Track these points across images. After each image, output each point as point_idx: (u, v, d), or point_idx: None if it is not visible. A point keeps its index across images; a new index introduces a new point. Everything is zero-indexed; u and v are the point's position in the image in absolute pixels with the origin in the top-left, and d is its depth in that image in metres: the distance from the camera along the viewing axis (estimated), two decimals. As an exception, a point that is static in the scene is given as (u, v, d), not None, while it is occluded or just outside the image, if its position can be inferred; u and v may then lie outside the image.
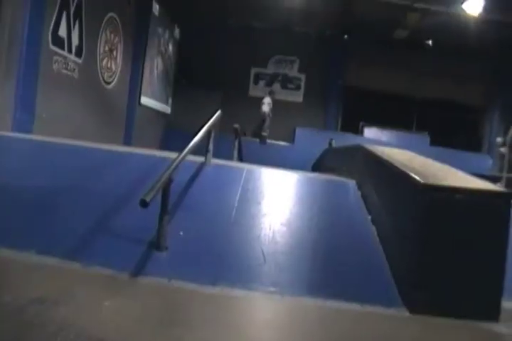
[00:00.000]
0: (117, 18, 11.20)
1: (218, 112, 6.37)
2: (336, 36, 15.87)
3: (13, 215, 4.12)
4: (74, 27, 9.19)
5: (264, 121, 14.28)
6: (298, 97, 16.50)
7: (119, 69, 11.60)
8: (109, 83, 11.08)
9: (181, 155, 4.36)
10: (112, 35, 11.08)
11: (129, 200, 4.24)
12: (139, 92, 12.76)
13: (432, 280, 3.37)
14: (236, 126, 9.11)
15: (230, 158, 8.72)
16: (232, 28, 15.59)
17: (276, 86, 16.58)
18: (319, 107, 16.21)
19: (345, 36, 15.74)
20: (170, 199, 4.24)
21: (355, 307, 3.26)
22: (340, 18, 14.64)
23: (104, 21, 10.59)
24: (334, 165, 8.24)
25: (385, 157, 4.78)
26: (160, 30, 14.17)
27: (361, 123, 15.85)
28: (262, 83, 16.62)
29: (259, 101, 15.02)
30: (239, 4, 14.51)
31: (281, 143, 14.98)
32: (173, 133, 13.43)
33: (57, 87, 8.61)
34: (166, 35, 14.93)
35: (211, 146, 5.96)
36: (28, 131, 7.60)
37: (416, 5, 12.81)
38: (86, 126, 9.67)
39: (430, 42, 15.34)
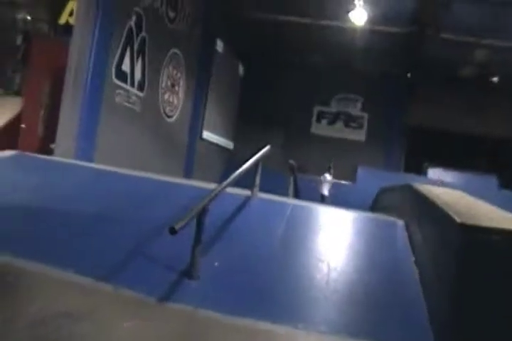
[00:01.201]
0: (180, 54, 11.60)
1: (267, 147, 6.41)
2: (399, 74, 15.79)
3: (59, 236, 4.29)
4: (137, 62, 9.60)
5: (323, 200, 13.43)
6: (360, 136, 16.42)
7: (181, 103, 11.95)
8: (170, 117, 11.42)
9: (220, 187, 4.43)
10: (175, 71, 11.47)
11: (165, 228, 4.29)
12: (200, 126, 13.07)
13: (467, 323, 3.21)
14: (291, 161, 9.15)
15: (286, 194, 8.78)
16: (296, 65, 15.83)
17: (339, 124, 16.57)
18: (382, 146, 16.03)
19: (409, 74, 15.61)
20: (210, 229, 4.32)
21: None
22: (404, 55, 14.56)
23: (167, 57, 11.00)
24: (387, 204, 8.09)
25: (430, 196, 4.66)
26: (223, 66, 14.55)
27: (425, 164, 15.51)
28: (324, 121, 16.67)
29: (321, 139, 15.07)
30: (303, 42, 14.73)
31: (343, 182, 14.84)
32: (234, 168, 13.52)
33: (118, 118, 8.96)
34: (230, 72, 15.30)
35: (258, 180, 6.00)
36: (90, 159, 7.89)
37: (484, 41, 12.58)
38: (146, 158, 9.95)
39: (497, 78, 14.92)
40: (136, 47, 9.55)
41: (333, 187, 13.65)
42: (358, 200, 11.23)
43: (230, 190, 6.05)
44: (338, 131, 16.52)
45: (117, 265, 3.88)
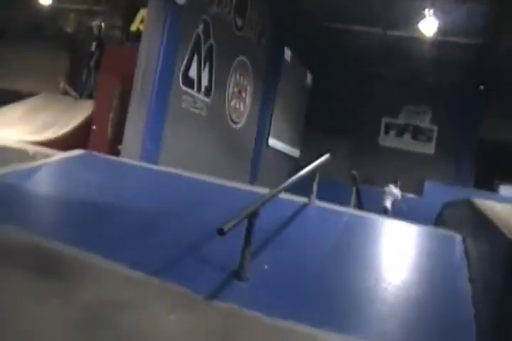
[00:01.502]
0: (247, 62, 11.78)
1: (327, 155, 6.42)
2: (471, 86, 15.32)
3: (118, 232, 4.49)
4: (204, 68, 9.82)
5: (385, 213, 13.02)
6: (429, 149, 16.05)
7: (248, 110, 12.11)
8: (236, 123, 11.59)
9: (273, 192, 4.50)
10: (242, 78, 11.65)
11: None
12: (267, 134, 13.19)
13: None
14: (354, 172, 9.08)
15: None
16: (364, 76, 15.71)
17: (407, 136, 16.31)
18: (451, 160, 15.57)
19: (481, 86, 15.14)
20: (263, 233, 4.39)
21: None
22: (475, 67, 14.15)
23: (234, 64, 11.19)
24: (449, 219, 7.87)
25: (486, 211, 4.54)
26: (291, 75, 14.64)
27: (496, 181, 14.96)
28: (392, 133, 16.44)
29: (388, 150, 14.89)
30: (371, 52, 14.62)
31: (409, 195, 14.58)
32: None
33: (184, 123, 9.19)
34: (298, 80, 15.37)
35: (315, 188, 6.02)
36: (155, 162, 8.13)
37: None
38: (212, 162, 10.13)
39: None
40: (203, 54, 9.77)
41: (398, 200, 13.42)
42: (423, 214, 10.97)
43: (288, 196, 6.17)
44: (406, 143, 16.23)
45: (169, 261, 4.01)
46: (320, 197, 6.81)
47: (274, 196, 4.58)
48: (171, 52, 8.60)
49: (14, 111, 10.05)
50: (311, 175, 6.08)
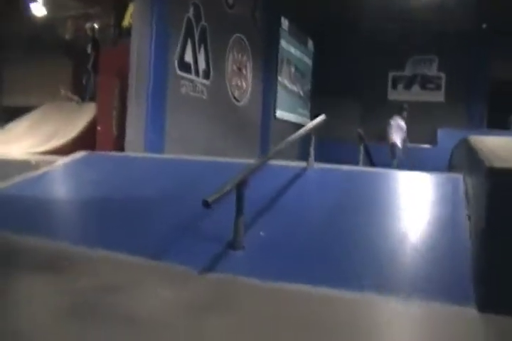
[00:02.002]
0: (244, 38, 11.74)
1: (321, 116, 6.43)
2: (474, 28, 14.96)
3: (116, 220, 4.69)
4: (199, 51, 9.86)
5: (393, 152, 11.75)
6: (439, 97, 15.77)
7: (250, 86, 12.13)
8: (240, 100, 11.63)
9: (261, 160, 4.57)
10: (240, 55, 11.64)
11: (220, 206, 4.48)
12: (273, 106, 13.19)
13: (500, 275, 3.14)
14: (359, 130, 9.06)
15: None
16: (366, 33, 15.46)
17: (416, 87, 16.06)
18: (463, 105, 15.28)
19: (484, 25, 14.74)
20: (260, 201, 4.50)
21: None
22: (476, 7, 13.77)
23: (230, 42, 11.17)
24: (456, 161, 7.83)
25: (478, 146, 4.53)
26: (291, 44, 14.54)
27: (510, 118, 14.67)
28: (400, 86, 16.20)
29: (398, 105, 14.68)
30: (371, 9, 14.38)
31: (424, 145, 14.44)
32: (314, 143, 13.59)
33: (186, 108, 9.28)
34: (299, 49, 15.26)
35: (312, 150, 6.06)
36: (160, 151, 8.28)
37: None
38: (219, 143, 10.23)
39: None
40: (197, 37, 9.80)
41: (412, 151, 13.28)
42: (439, 163, 10.91)
43: (286, 163, 6.24)
44: (415, 94, 15.98)
45: (167, 243, 4.15)
46: (331, 160, 6.89)
47: (263, 163, 4.64)
48: (163, 40, 8.65)
49: (18, 126, 10.29)
50: (308, 138, 6.15)
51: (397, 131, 11.86)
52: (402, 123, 11.97)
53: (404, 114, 12.19)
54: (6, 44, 13.72)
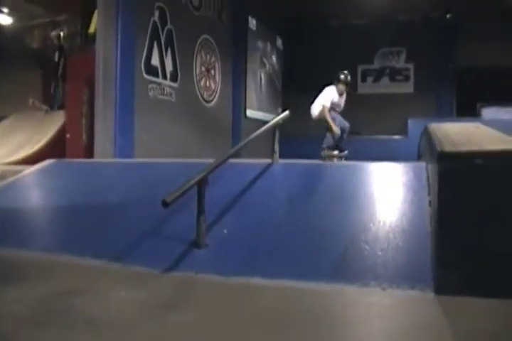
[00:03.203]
0: (211, 39, 11.75)
1: (286, 112, 6.49)
2: (439, 18, 15.12)
3: (81, 226, 4.70)
4: (166, 54, 9.85)
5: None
6: (408, 88, 15.92)
7: (219, 86, 12.14)
8: (209, 101, 11.65)
9: (222, 158, 4.61)
10: (208, 56, 11.65)
11: (184, 205, 4.49)
12: (243, 106, 13.22)
13: (455, 257, 3.20)
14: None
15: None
16: (333, 29, 15.61)
17: (385, 80, 16.20)
18: (432, 95, 15.40)
19: (448, 15, 14.93)
20: (225, 199, 4.53)
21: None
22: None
23: (197, 44, 11.17)
24: (422, 151, 7.95)
25: (434, 132, 4.61)
26: (260, 43, 14.58)
27: (478, 105, 14.87)
28: (369, 79, 16.34)
29: (367, 98, 14.81)
30: (337, 4, 14.51)
31: (394, 136, 14.56)
32: (286, 141, 13.62)
33: (155, 111, 9.27)
34: (268, 47, 15.31)
35: (277, 146, 6.11)
36: (130, 155, 8.27)
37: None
38: (190, 144, 10.22)
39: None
40: (163, 40, 9.79)
41: (383, 143, 13.42)
42: (409, 153, 11.02)
43: (251, 160, 6.28)
44: (385, 86, 16.14)
45: (131, 246, 4.16)
46: (303, 156, 6.92)
47: (223, 161, 4.67)
48: (128, 44, 8.63)
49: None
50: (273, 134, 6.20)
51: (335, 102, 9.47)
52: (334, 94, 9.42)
53: (341, 86, 9.55)
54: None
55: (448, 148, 3.41)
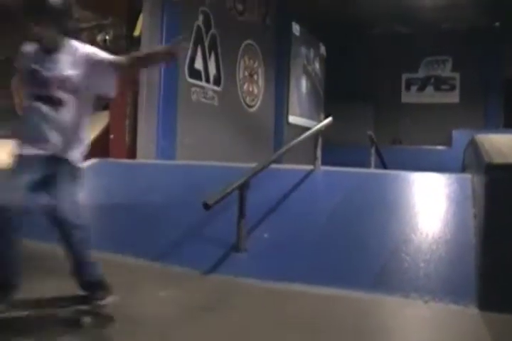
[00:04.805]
0: (255, 44, 11.78)
1: (328, 119, 6.46)
2: (487, 26, 14.80)
3: (123, 224, 4.81)
4: (210, 58, 9.93)
5: None
6: (453, 98, 15.61)
7: (262, 92, 12.16)
8: (252, 106, 11.67)
9: (264, 163, 4.61)
10: (251, 61, 11.68)
11: (225, 208, 4.50)
12: (286, 112, 13.21)
13: (501, 272, 3.11)
14: (369, 132, 9.02)
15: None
16: (377, 37, 15.48)
17: (430, 89, 15.95)
18: (478, 106, 15.06)
19: (497, 23, 14.59)
20: (266, 204, 4.52)
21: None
22: (488, 5, 13.62)
23: (241, 49, 11.22)
24: (467, 162, 7.78)
25: (482, 143, 4.51)
26: (303, 49, 14.56)
27: (528, 116, 14.47)
28: (413, 88, 16.11)
29: (411, 107, 14.63)
30: (381, 12, 14.38)
31: (439, 147, 14.31)
32: (328, 148, 13.53)
33: (197, 115, 9.33)
34: (311, 54, 15.28)
35: (319, 153, 6.08)
36: (171, 157, 8.33)
37: None
38: (232, 149, 10.24)
39: None
40: (207, 44, 9.87)
41: (426, 153, 13.19)
42: (453, 164, 10.82)
43: (293, 166, 6.27)
44: (429, 96, 15.87)
45: (172, 246, 4.22)
46: (344, 163, 6.88)
47: (266, 166, 4.68)
48: (172, 48, 8.71)
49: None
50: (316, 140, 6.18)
51: None
52: None
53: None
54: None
55: (496, 159, 3.34)
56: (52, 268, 3.53)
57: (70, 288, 2.82)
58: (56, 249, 2.95)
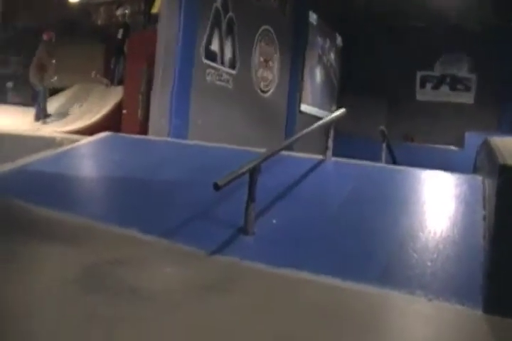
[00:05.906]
0: (272, 30, 11.72)
1: (341, 110, 6.42)
2: (507, 28, 14.55)
3: (132, 200, 4.81)
4: (226, 41, 9.88)
5: None
6: (469, 99, 15.53)
7: (277, 78, 12.11)
8: (265, 92, 11.64)
9: (276, 148, 4.59)
10: (267, 47, 11.62)
11: (234, 191, 4.50)
12: (298, 100, 13.16)
13: (510, 275, 3.09)
14: (382, 127, 8.95)
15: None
16: (395, 31, 15.33)
17: (445, 88, 15.85)
18: (493, 108, 14.92)
19: (512, 23, 14.37)
20: (276, 189, 4.51)
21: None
22: (506, 3, 13.45)
23: (257, 34, 11.16)
24: (478, 164, 7.75)
25: (497, 146, 4.48)
26: (319, 39, 14.46)
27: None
28: (429, 86, 16.01)
29: (425, 105, 14.52)
30: (400, 7, 14.25)
31: (450, 147, 14.25)
32: (339, 139, 13.46)
33: (211, 96, 9.31)
34: (327, 44, 15.18)
35: (330, 143, 6.05)
36: (184, 137, 8.32)
37: None
38: (242, 133, 10.23)
39: None
40: (224, 27, 9.82)
41: (437, 152, 13.12)
42: (464, 166, 10.76)
43: (303, 155, 6.25)
44: (444, 95, 15.76)
45: (180, 224, 4.21)
46: (355, 156, 6.84)
47: (278, 151, 4.66)
48: (190, 28, 8.68)
49: (50, 105, 10.45)
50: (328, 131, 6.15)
51: None
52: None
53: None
54: (44, 29, 13.91)
55: (510, 161, 3.32)
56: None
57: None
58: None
